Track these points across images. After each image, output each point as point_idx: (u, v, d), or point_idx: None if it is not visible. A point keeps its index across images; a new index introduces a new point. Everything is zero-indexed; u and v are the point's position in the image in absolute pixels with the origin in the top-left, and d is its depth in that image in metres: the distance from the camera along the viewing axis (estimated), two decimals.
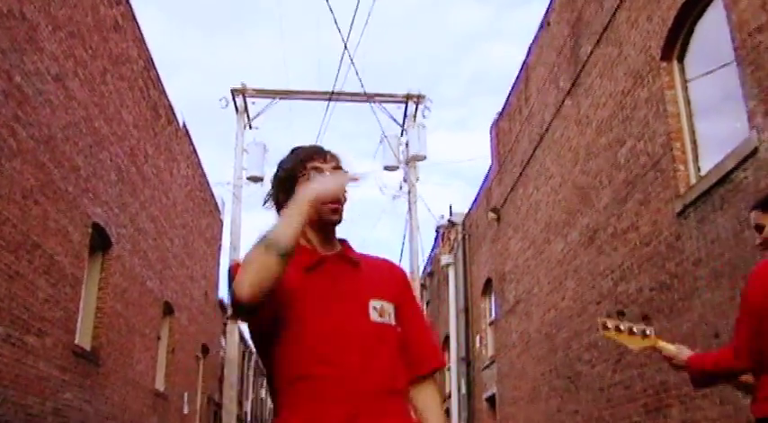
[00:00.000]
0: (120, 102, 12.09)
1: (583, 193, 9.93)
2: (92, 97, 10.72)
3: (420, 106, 21.64)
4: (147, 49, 13.60)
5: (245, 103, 21.33)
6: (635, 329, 3.18)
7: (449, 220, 20.21)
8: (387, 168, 21.42)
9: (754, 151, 5.84)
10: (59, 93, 9.54)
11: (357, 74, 33.35)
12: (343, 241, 2.41)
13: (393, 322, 2.31)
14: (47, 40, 9.13)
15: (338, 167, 2.37)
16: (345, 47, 21.30)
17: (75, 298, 10.27)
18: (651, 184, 7.80)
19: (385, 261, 2.57)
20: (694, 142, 7.37)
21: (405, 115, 21.64)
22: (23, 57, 8.47)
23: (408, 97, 21.43)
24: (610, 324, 3.21)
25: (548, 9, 11.71)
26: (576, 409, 10.02)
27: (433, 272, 23.97)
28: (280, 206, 2.35)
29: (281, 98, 21.91)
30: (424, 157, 21.38)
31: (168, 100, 15.37)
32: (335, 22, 16.77)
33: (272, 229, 2.00)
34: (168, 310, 15.91)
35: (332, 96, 20.26)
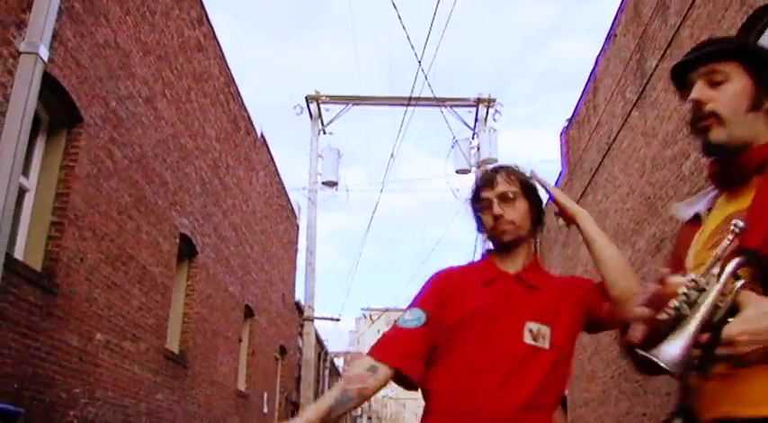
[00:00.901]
0: (204, 117, 12.75)
1: (650, 203, 10.19)
2: (178, 115, 11.37)
3: (491, 110, 21.99)
4: (228, 66, 14.24)
5: (319, 109, 21.98)
6: None
7: None
8: (459, 172, 21.84)
9: None
10: (149, 113, 10.19)
11: (427, 82, 33.66)
12: (533, 261, 2.67)
13: (546, 346, 2.45)
14: (138, 66, 9.78)
15: (505, 194, 2.58)
16: (420, 62, 21.65)
17: (166, 305, 10.94)
18: None
19: (570, 280, 2.78)
20: None
21: (476, 119, 22.00)
22: (118, 82, 9.12)
23: (479, 101, 21.79)
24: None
25: (614, 22, 11.96)
26: (644, 413, 10.28)
27: None
28: (479, 223, 2.67)
29: (354, 104, 22.48)
30: (496, 161, 21.67)
31: (247, 112, 16.02)
32: (408, 39, 17.25)
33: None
34: (249, 313, 16.60)
35: (407, 103, 20.62)
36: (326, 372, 32.04)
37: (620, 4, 11.66)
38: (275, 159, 19.38)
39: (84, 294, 8.17)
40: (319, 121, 22.22)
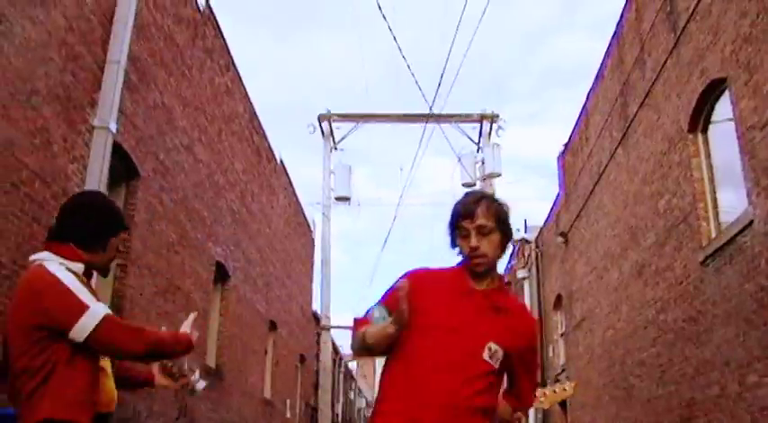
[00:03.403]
0: (233, 154, 14.11)
1: (632, 232, 11.52)
2: (212, 156, 12.72)
3: (494, 125, 23.23)
4: (251, 104, 15.59)
5: (331, 127, 23.28)
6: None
7: (522, 238, 21.76)
8: (465, 185, 23.09)
9: (750, 223, 7.43)
10: (189, 159, 11.53)
11: (431, 108, 34.87)
12: (499, 282, 3.03)
13: (497, 366, 2.83)
14: (179, 119, 11.12)
15: (482, 227, 2.87)
16: (417, 82, 22.79)
17: (205, 326, 12.30)
18: (683, 235, 9.40)
19: (523, 311, 3.16)
20: (715, 201, 8.93)
21: (480, 134, 23.27)
22: (164, 137, 10.47)
23: (483, 117, 23.00)
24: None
25: (602, 63, 13.27)
26: (629, 416, 11.63)
27: (510, 282, 25.52)
28: (454, 245, 2.97)
29: (363, 122, 23.77)
30: (499, 175, 22.88)
31: (268, 141, 17.37)
32: (404, 59, 18.50)
33: (367, 333, 2.87)
34: (273, 326, 17.97)
35: (427, 119, 21.65)
36: (341, 376, 33.47)
37: (607, 48, 12.96)
38: (292, 181, 20.72)
39: (143, 323, 9.52)
40: (331, 138, 23.50)
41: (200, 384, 4.14)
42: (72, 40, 7.74)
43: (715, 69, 8.39)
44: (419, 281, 2.88)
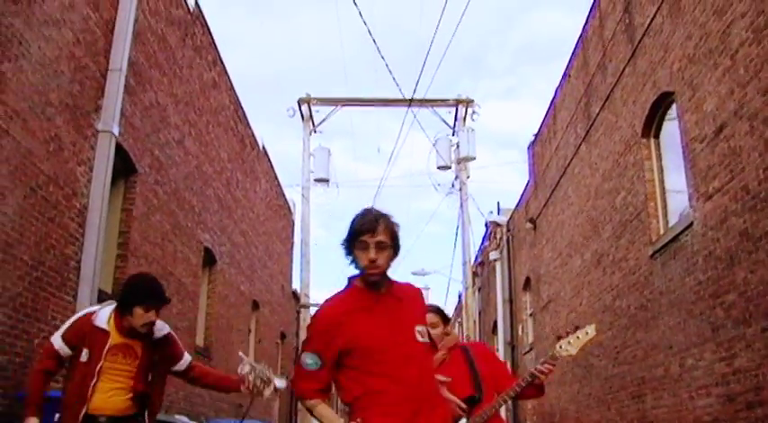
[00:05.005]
0: (219, 144, 14.86)
1: (593, 224, 12.43)
2: (200, 148, 13.47)
3: (469, 110, 24.02)
4: (236, 95, 16.32)
5: (311, 110, 23.96)
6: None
7: (494, 222, 22.68)
8: (440, 168, 23.91)
9: (691, 224, 8.35)
10: (180, 152, 12.28)
11: (402, 92, 35.26)
12: (390, 280, 3.34)
13: (428, 340, 3.27)
14: (172, 116, 11.85)
15: (381, 243, 3.19)
16: (397, 85, 23.32)
17: (195, 308, 13.13)
18: (635, 230, 10.31)
19: (410, 288, 3.48)
20: (664, 201, 9.84)
21: (455, 118, 24.05)
22: (159, 134, 11.21)
23: (458, 102, 23.77)
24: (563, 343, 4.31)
25: (568, 64, 14.12)
26: (589, 393, 12.61)
27: (483, 262, 26.49)
28: (349, 254, 3.26)
29: (342, 105, 24.45)
30: (474, 158, 23.70)
31: (251, 129, 18.11)
32: (383, 58, 19.10)
33: (317, 413, 3.22)
34: (255, 306, 18.82)
35: (408, 104, 22.23)
36: None
37: (574, 50, 13.79)
38: (273, 166, 21.48)
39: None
40: (311, 122, 24.17)
41: (281, 384, 4.99)
42: (79, 53, 8.48)
43: (665, 83, 9.25)
44: (330, 321, 3.23)
